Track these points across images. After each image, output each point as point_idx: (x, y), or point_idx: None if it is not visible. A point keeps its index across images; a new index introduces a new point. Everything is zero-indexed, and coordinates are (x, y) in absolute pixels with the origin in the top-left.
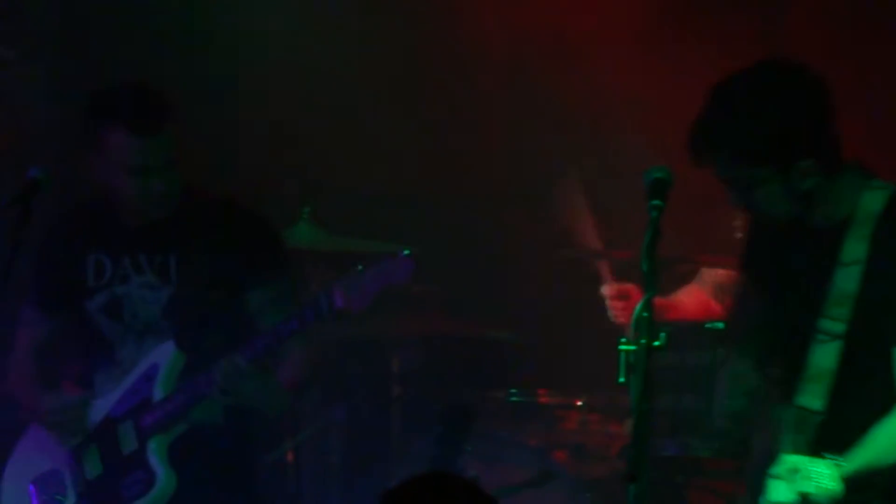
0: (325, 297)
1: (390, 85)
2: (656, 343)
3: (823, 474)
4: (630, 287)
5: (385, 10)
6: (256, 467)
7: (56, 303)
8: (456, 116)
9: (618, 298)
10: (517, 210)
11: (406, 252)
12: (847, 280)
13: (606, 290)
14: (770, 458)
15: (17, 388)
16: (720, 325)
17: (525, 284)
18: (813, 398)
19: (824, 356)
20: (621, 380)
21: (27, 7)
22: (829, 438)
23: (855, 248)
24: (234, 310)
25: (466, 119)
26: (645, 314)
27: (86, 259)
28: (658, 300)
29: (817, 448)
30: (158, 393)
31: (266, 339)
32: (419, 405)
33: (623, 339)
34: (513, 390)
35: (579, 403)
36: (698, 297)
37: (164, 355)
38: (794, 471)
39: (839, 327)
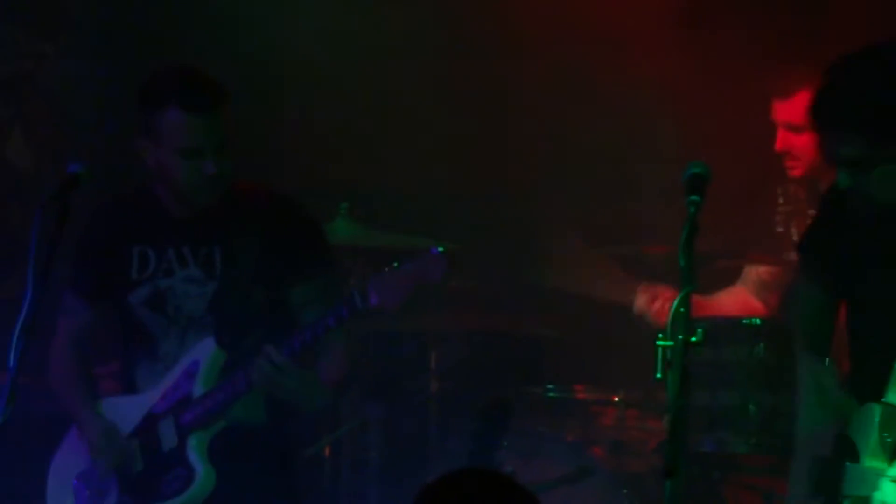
0: (359, 294)
1: (428, 81)
2: (693, 339)
3: None
4: (660, 287)
5: (425, 5)
6: (296, 465)
7: (98, 292)
8: (492, 112)
9: (652, 301)
10: (555, 206)
11: (440, 249)
12: None
13: (640, 299)
14: (843, 452)
15: (56, 383)
16: (757, 321)
17: (562, 280)
18: None
19: None
20: (658, 376)
21: (67, 2)
22: None
23: None
24: (277, 305)
25: (503, 114)
26: (682, 309)
27: (130, 251)
28: (698, 299)
29: None
30: (199, 389)
31: (302, 336)
32: (457, 401)
33: (660, 335)
34: (550, 386)
35: (616, 399)
36: (741, 297)
37: (205, 352)
38: None
39: None
